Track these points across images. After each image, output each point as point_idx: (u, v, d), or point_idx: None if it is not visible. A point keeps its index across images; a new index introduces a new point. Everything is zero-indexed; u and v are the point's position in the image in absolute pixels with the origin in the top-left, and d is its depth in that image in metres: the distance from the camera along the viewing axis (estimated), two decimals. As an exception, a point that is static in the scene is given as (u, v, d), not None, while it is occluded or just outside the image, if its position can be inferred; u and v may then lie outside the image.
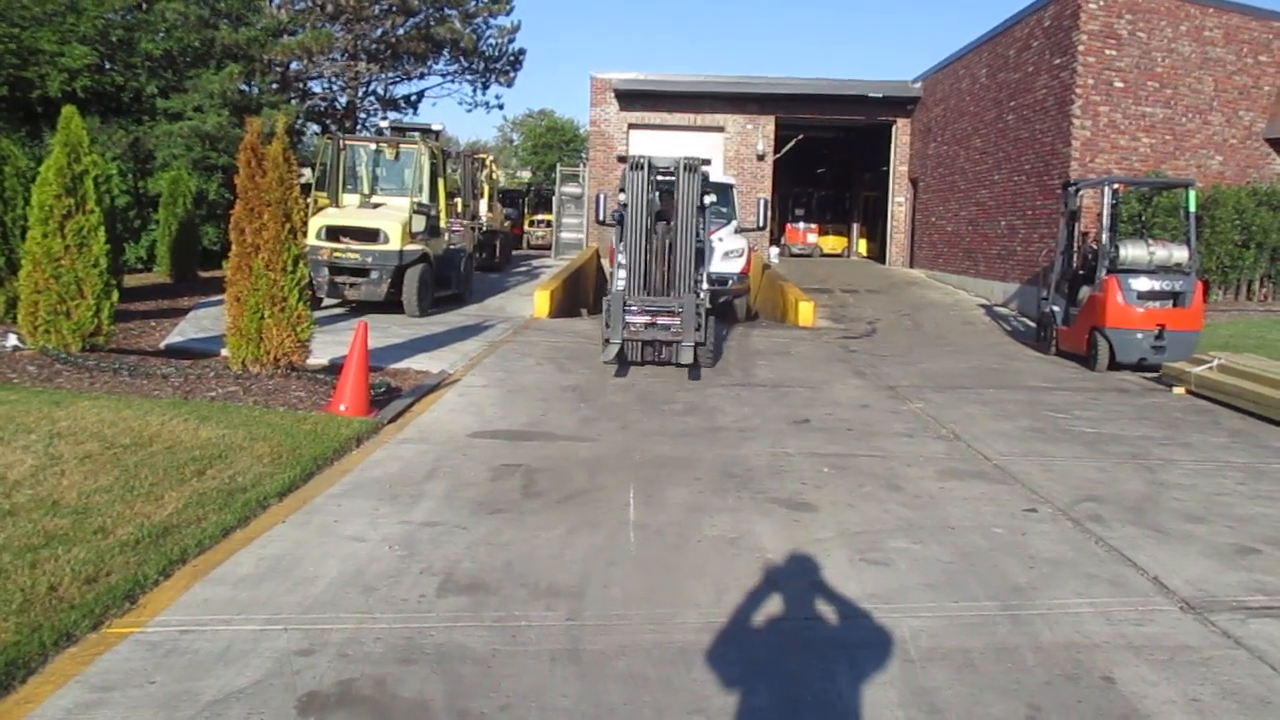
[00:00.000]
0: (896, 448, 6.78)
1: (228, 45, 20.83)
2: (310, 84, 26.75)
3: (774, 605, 3.96)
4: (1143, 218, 14.45)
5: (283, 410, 7.11)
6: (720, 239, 14.33)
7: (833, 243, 30.07)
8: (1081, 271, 11.92)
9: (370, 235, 12.81)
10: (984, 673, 3.39)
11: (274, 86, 23.37)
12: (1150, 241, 11.42)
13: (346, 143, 14.67)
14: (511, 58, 30.79)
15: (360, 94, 28.60)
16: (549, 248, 27.21)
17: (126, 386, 7.72)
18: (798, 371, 10.20)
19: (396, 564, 4.25)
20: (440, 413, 7.50)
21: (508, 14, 29.32)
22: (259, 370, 8.23)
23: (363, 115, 28.54)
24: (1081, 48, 15.30)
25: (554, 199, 27.20)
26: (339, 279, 12.85)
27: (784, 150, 24.72)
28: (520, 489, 5.51)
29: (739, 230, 15.39)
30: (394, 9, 26.11)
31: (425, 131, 15.86)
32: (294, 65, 24.74)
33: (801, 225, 30.23)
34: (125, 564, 4.00)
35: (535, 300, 14.69)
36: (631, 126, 23.57)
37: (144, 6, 20.01)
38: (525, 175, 55.58)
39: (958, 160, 20.48)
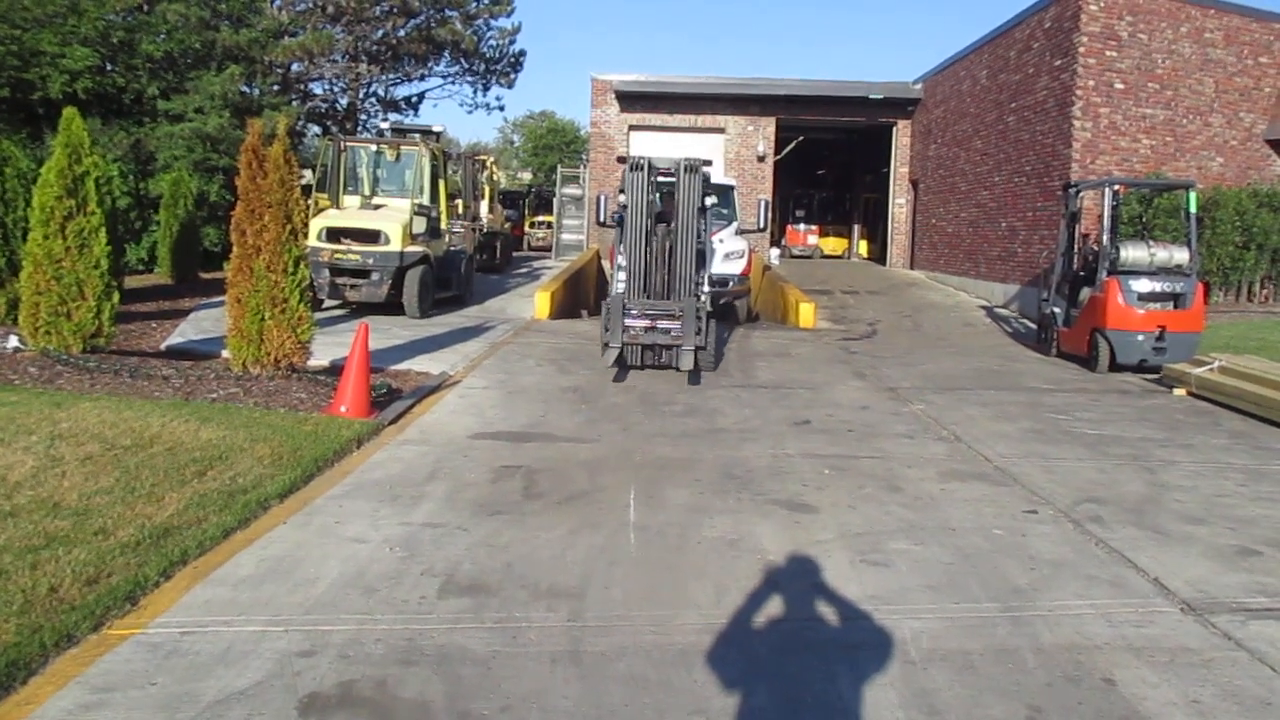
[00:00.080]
0: (897, 449, 6.78)
1: (229, 47, 20.86)
2: (311, 85, 26.80)
3: (774, 606, 3.96)
4: (1143, 219, 14.45)
5: (283, 411, 7.11)
6: (721, 240, 14.33)
7: (833, 244, 30.06)
8: (1082, 273, 11.92)
9: (371, 237, 12.82)
10: (984, 674, 3.39)
11: (275, 88, 23.41)
12: (1151, 243, 11.42)
13: (347, 144, 14.68)
14: (512, 59, 30.84)
15: (361, 95, 28.64)
16: (550, 249, 27.21)
17: (127, 388, 7.73)
18: (798, 373, 10.19)
19: (397, 565, 4.25)
20: (441, 414, 7.50)
21: (508, 15, 29.38)
22: (260, 371, 8.23)
23: (364, 117, 28.61)
24: (1082, 49, 15.30)
25: (555, 200, 27.21)
26: (340, 280, 12.86)
27: (785, 152, 24.72)
28: (521, 490, 5.51)
29: (740, 232, 15.40)
30: (395, 10, 26.13)
31: (426, 133, 15.86)
32: (295, 67, 24.77)
33: (802, 227, 30.23)
34: (126, 565, 4.00)
35: (536, 302, 14.69)
36: (632, 128, 23.58)
37: (145, 8, 20.04)
38: (526, 177, 55.64)
39: (958, 162, 20.48)
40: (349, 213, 13.55)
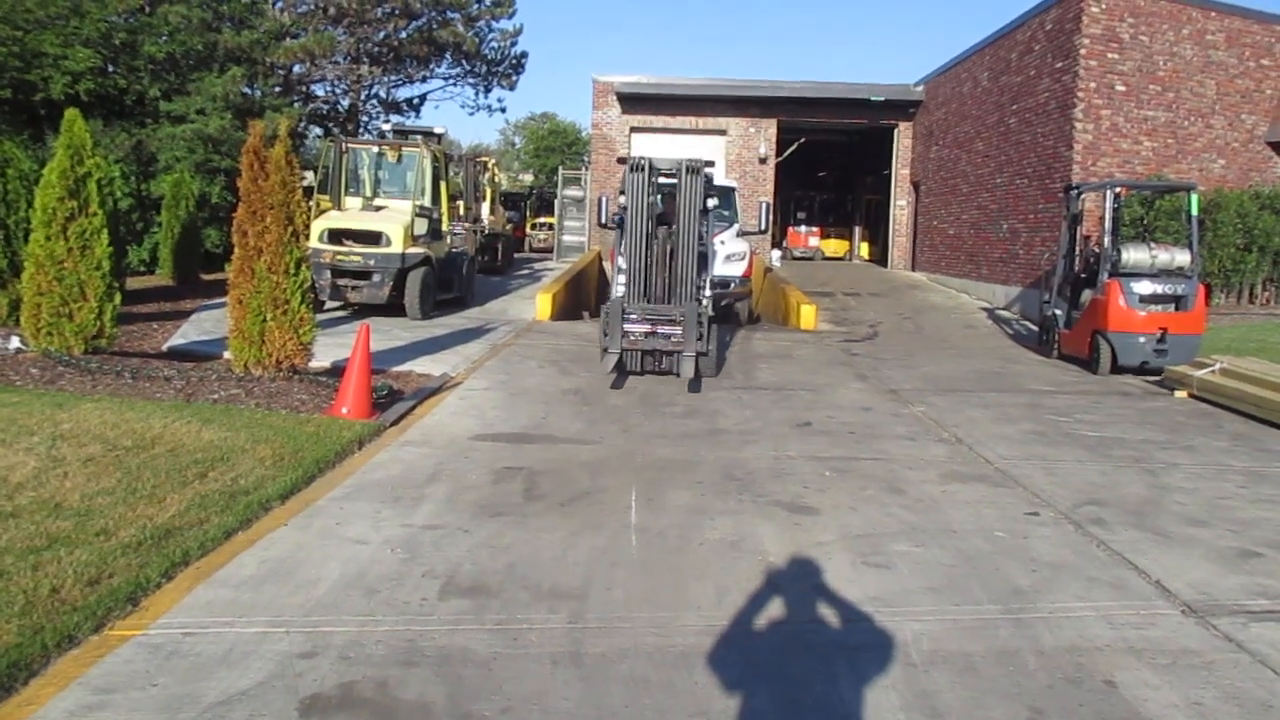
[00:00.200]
0: (898, 451, 6.78)
1: (230, 48, 20.88)
2: (313, 87, 26.85)
3: (775, 608, 3.96)
4: (1145, 221, 14.44)
5: (285, 413, 7.12)
6: (722, 242, 14.34)
7: (834, 246, 30.07)
8: (1083, 275, 11.92)
9: (372, 238, 12.83)
10: (986, 676, 3.39)
11: (276, 89, 23.43)
12: (1152, 245, 11.42)
13: (349, 146, 14.69)
14: (514, 61, 30.89)
15: (363, 97, 28.69)
16: (551, 251, 27.23)
17: (129, 389, 7.73)
18: (799, 374, 10.19)
19: (398, 566, 4.25)
20: (442, 415, 7.50)
21: (510, 17, 29.43)
22: (261, 373, 8.24)
23: (365, 118, 28.65)
24: (1083, 51, 15.30)
25: (556, 202, 27.22)
26: (341, 282, 12.87)
27: (786, 153, 24.73)
28: (522, 492, 5.51)
29: (741, 233, 15.41)
30: (396, 12, 26.16)
31: (427, 134, 15.88)
32: (296, 68, 24.81)
33: (803, 228, 30.25)
34: (127, 566, 4.00)
35: (537, 303, 14.70)
36: (634, 129, 23.59)
37: (147, 10, 20.08)
38: (527, 178, 55.71)
39: (959, 164, 20.48)
40: (350, 214, 13.56)
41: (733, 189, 16.94)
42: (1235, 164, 16.44)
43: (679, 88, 23.31)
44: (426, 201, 14.04)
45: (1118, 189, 11.75)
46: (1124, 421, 8.15)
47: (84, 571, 3.89)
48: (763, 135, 23.54)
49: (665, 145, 22.11)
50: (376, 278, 12.77)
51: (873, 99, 22.91)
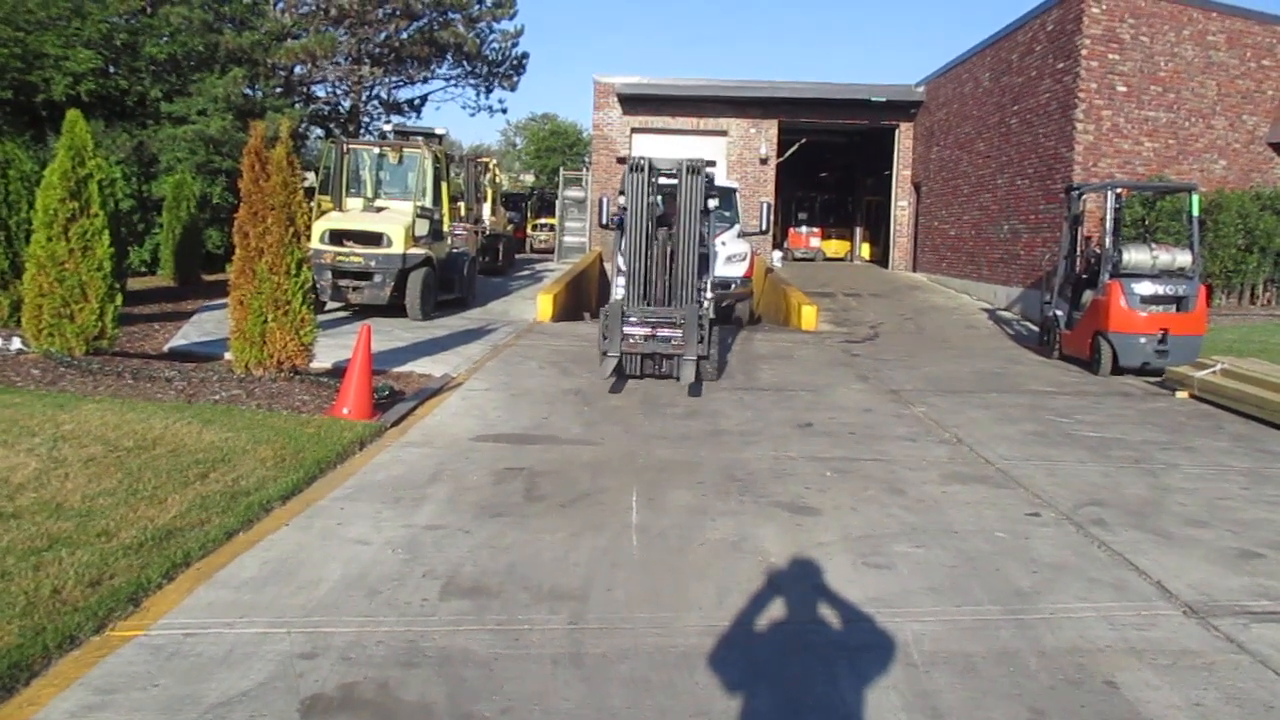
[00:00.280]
0: (899, 452, 6.78)
1: (232, 49, 20.90)
2: (314, 88, 26.88)
3: (776, 609, 3.96)
4: (1146, 222, 14.44)
5: (286, 413, 7.12)
6: (723, 243, 14.33)
7: (835, 247, 30.07)
8: (1084, 276, 11.91)
9: (373, 239, 12.84)
10: (986, 677, 3.39)
11: (278, 90, 23.44)
12: (1153, 246, 11.41)
13: (350, 146, 14.71)
14: (515, 62, 30.90)
15: (364, 98, 28.70)
16: (552, 252, 27.23)
17: (130, 390, 7.74)
18: (800, 375, 10.19)
19: (399, 567, 4.26)
20: (443, 416, 7.50)
21: (511, 18, 29.46)
22: (262, 373, 8.24)
23: (366, 119, 28.65)
24: (1085, 52, 15.30)
25: (557, 203, 27.23)
26: (342, 282, 12.88)
27: (787, 154, 24.74)
28: (523, 492, 5.51)
29: (742, 234, 15.41)
30: (397, 13, 26.18)
31: (429, 135, 15.88)
32: (298, 69, 24.83)
33: (804, 229, 30.25)
34: (129, 567, 4.00)
35: (538, 304, 14.70)
36: (635, 130, 23.60)
37: (148, 11, 20.09)
38: (528, 179, 55.71)
39: (960, 164, 20.48)
40: (352, 215, 13.57)
41: (734, 190, 16.93)
42: (1236, 165, 16.43)
43: (680, 88, 23.32)
44: (428, 202, 14.04)
45: (1119, 190, 11.75)
46: (1125, 422, 8.14)
47: (85, 572, 3.90)
48: (764, 136, 23.54)
49: (666, 146, 22.11)
50: (378, 278, 12.78)
51: (874, 99, 22.91)
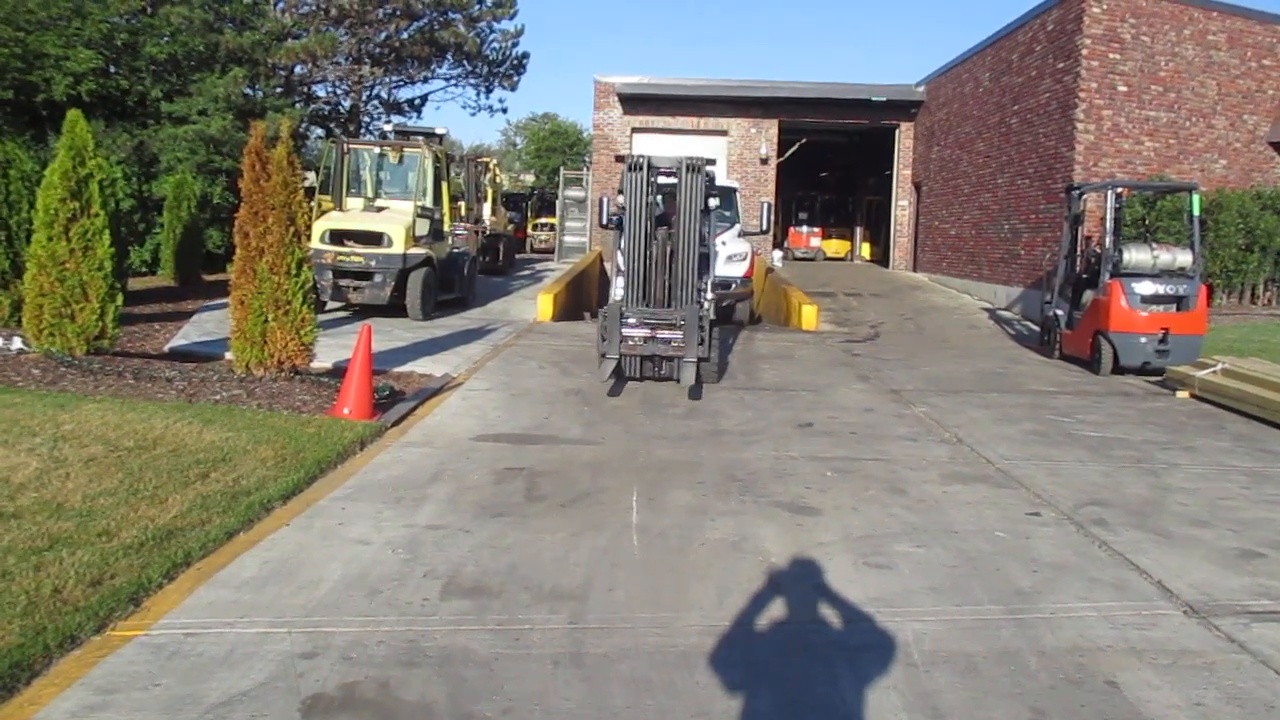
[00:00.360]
0: (900, 452, 6.78)
1: (232, 49, 20.90)
2: (314, 88, 26.87)
3: (777, 609, 3.96)
4: (1146, 221, 14.43)
5: (286, 413, 7.12)
6: (724, 243, 14.33)
7: (836, 246, 30.07)
8: (1085, 275, 11.91)
9: (374, 239, 12.84)
10: (987, 677, 3.39)
11: (278, 90, 23.44)
12: (1154, 245, 11.41)
13: (350, 146, 14.71)
14: (515, 61, 30.90)
15: (364, 98, 28.69)
16: (552, 251, 27.24)
17: (131, 389, 7.74)
18: (801, 375, 10.19)
19: (400, 567, 4.26)
20: (443, 416, 7.50)
21: (511, 18, 29.45)
22: (263, 373, 8.24)
23: (366, 119, 28.65)
24: (1085, 51, 15.30)
25: (557, 203, 27.24)
26: (343, 282, 12.88)
27: (787, 154, 24.74)
28: (523, 492, 5.52)
29: (742, 234, 15.40)
30: (398, 13, 26.18)
31: (429, 135, 15.87)
32: (298, 69, 24.83)
33: (805, 229, 30.24)
34: (129, 567, 4.00)
35: (538, 304, 14.71)
36: (635, 130, 23.61)
37: (149, 11, 20.09)
38: (529, 179, 55.71)
39: (961, 164, 20.48)
40: (352, 215, 13.57)
41: (734, 189, 16.93)
42: (1237, 164, 16.43)
43: (680, 88, 23.32)
44: (428, 202, 14.04)
45: (1119, 189, 11.75)
46: (1126, 422, 8.14)
47: (86, 572, 3.90)
48: (764, 136, 23.54)
49: (667, 146, 22.08)
50: (378, 278, 12.78)
51: (874, 99, 22.91)
